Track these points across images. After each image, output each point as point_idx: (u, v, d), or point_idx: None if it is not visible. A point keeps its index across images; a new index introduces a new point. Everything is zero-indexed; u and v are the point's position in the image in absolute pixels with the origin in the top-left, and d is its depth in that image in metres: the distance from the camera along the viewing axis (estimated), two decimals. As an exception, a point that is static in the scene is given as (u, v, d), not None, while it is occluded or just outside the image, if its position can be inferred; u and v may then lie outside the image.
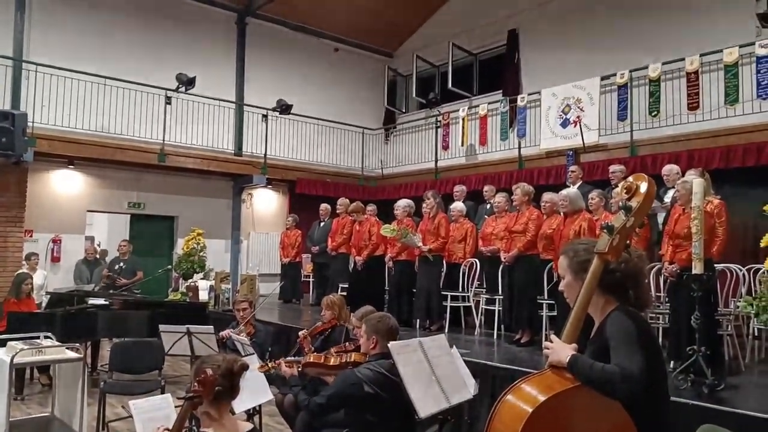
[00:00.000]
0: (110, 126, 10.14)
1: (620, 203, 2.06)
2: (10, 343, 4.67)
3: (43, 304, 7.64)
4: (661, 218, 5.90)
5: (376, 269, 8.25)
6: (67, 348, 4.84)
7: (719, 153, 7.61)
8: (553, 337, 2.01)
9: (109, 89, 10.03)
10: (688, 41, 8.51)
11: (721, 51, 7.77)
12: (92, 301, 7.00)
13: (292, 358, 3.93)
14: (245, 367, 2.29)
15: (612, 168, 7.22)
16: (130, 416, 2.82)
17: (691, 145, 8.02)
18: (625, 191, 2.05)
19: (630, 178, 2.07)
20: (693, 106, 8.09)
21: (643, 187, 2.01)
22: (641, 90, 8.84)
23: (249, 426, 2.28)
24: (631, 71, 8.82)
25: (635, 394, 1.77)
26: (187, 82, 10.41)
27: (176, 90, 10.49)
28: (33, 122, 9.01)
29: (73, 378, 4.85)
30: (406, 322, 7.35)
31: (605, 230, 1.99)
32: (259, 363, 4.03)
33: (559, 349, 1.92)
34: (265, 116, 11.74)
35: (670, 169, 6.31)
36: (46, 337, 4.99)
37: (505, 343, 6.35)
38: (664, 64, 8.46)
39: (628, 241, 2.03)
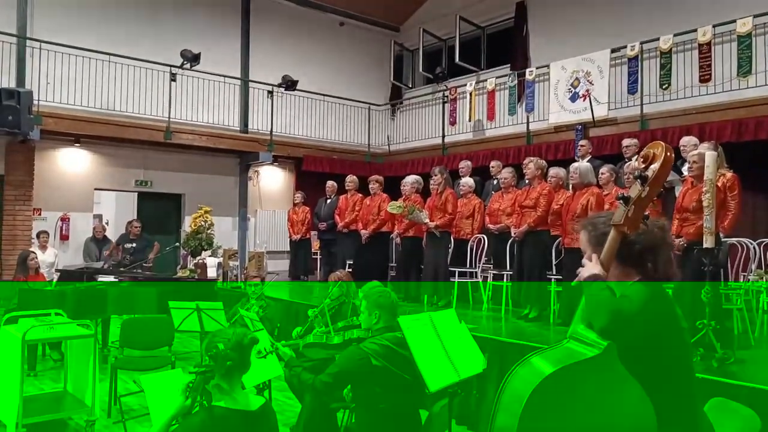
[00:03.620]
0: (116, 103, 10.12)
1: (636, 173, 2.00)
2: (21, 320, 4.71)
3: (54, 282, 7.70)
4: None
5: (381, 245, 8.27)
6: (77, 324, 4.88)
7: (731, 126, 7.50)
8: (594, 256, 1.98)
9: (113, 66, 9.98)
10: (700, 11, 8.37)
11: (735, 21, 7.62)
12: (102, 278, 7.04)
13: (292, 340, 3.92)
14: (255, 341, 2.30)
15: (625, 142, 7.11)
16: (142, 391, 2.83)
17: (702, 118, 7.90)
18: (641, 160, 1.98)
19: (649, 147, 1.99)
20: (705, 78, 7.97)
21: (660, 155, 1.93)
22: (652, 62, 8.71)
23: (261, 399, 2.29)
24: (641, 43, 8.68)
25: (612, 330, 1.78)
26: (192, 59, 10.33)
27: (181, 67, 10.42)
28: (38, 100, 8.99)
29: (85, 354, 4.89)
30: (413, 298, 7.38)
31: (621, 201, 1.94)
32: (268, 339, 4.04)
33: (590, 267, 1.94)
34: (270, 92, 11.65)
35: (687, 141, 6.14)
36: (57, 314, 5.04)
37: (513, 318, 6.35)
38: (675, 35, 8.31)
39: (646, 213, 1.96)
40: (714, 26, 7.88)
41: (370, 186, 8.56)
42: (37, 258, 6.92)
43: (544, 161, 6.61)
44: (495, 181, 8.13)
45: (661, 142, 1.99)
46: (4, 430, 4.46)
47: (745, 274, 5.37)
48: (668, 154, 1.93)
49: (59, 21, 9.90)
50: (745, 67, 7.55)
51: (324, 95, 12.44)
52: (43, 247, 8.42)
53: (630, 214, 1.91)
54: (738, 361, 4.15)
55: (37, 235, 8.72)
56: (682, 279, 4.81)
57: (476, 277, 7.18)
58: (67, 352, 5.30)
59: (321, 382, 3.15)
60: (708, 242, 4.05)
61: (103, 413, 4.94)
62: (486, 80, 11.14)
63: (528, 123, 10.18)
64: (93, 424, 4.69)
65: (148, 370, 4.72)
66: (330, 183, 10.11)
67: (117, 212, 13.43)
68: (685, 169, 5.69)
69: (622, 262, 1.97)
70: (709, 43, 7.93)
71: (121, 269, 8.31)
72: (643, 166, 1.97)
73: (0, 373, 4.81)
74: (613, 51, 9.05)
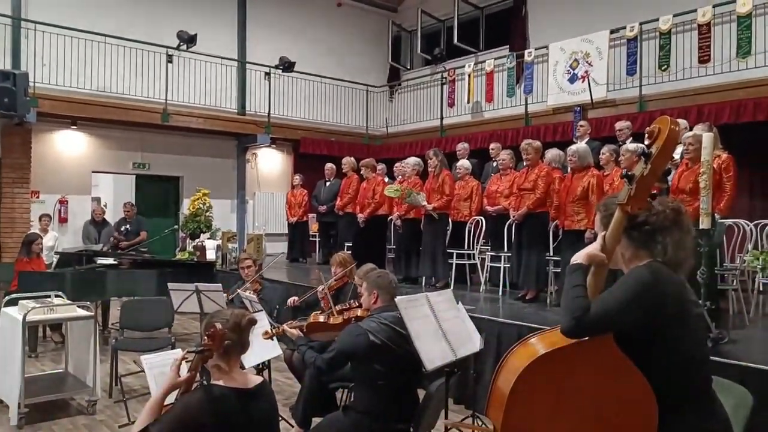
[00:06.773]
0: (112, 85, 10.05)
1: (639, 149, 1.93)
2: (21, 302, 4.74)
3: (53, 264, 7.72)
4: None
5: (378, 228, 8.29)
6: (78, 306, 4.92)
7: (729, 107, 7.49)
8: (600, 236, 1.93)
9: (109, 48, 9.90)
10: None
11: (735, 1, 7.56)
12: (101, 260, 7.06)
13: (296, 321, 3.97)
14: (253, 322, 2.31)
15: (618, 125, 7.08)
16: (142, 371, 2.87)
17: (700, 99, 7.88)
18: (647, 136, 1.89)
19: (655, 122, 1.90)
20: (704, 59, 7.93)
21: (664, 130, 1.84)
22: (651, 43, 8.65)
23: (259, 379, 2.32)
24: (641, 24, 8.63)
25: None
26: (188, 40, 10.24)
27: (177, 48, 10.34)
28: (34, 82, 8.92)
29: (85, 335, 4.94)
30: (412, 279, 7.41)
31: (625, 179, 1.87)
32: (268, 320, 4.09)
33: (585, 252, 1.90)
34: (267, 74, 11.58)
35: (681, 122, 6.17)
36: (57, 296, 5.07)
37: (510, 299, 6.39)
38: (675, 15, 8.25)
39: (654, 192, 1.88)
40: (714, 6, 7.82)
41: (362, 171, 8.57)
42: (42, 243, 6.92)
43: (539, 143, 6.59)
44: (494, 163, 8.13)
45: (668, 117, 1.89)
46: (7, 410, 4.51)
47: (741, 254, 5.40)
48: (673, 128, 1.83)
49: (54, 2, 9.79)
50: (744, 48, 7.51)
51: (321, 77, 12.36)
52: (44, 231, 8.42)
53: (633, 193, 1.85)
54: (732, 340, 4.20)
55: (39, 218, 8.71)
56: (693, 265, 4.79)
57: (474, 258, 7.21)
58: (68, 333, 5.35)
59: (322, 359, 3.20)
60: (704, 223, 4.06)
61: (104, 393, 5.00)
62: (485, 61, 11.07)
63: (526, 105, 10.14)
64: (94, 404, 4.76)
65: (149, 351, 4.75)
66: (329, 165, 10.09)
67: (115, 195, 13.40)
68: (676, 153, 5.69)
69: (633, 244, 1.91)
70: (708, 24, 7.87)
71: (118, 251, 8.32)
72: (648, 142, 1.89)
73: (1, 354, 4.85)
74: (612, 32, 8.99)
